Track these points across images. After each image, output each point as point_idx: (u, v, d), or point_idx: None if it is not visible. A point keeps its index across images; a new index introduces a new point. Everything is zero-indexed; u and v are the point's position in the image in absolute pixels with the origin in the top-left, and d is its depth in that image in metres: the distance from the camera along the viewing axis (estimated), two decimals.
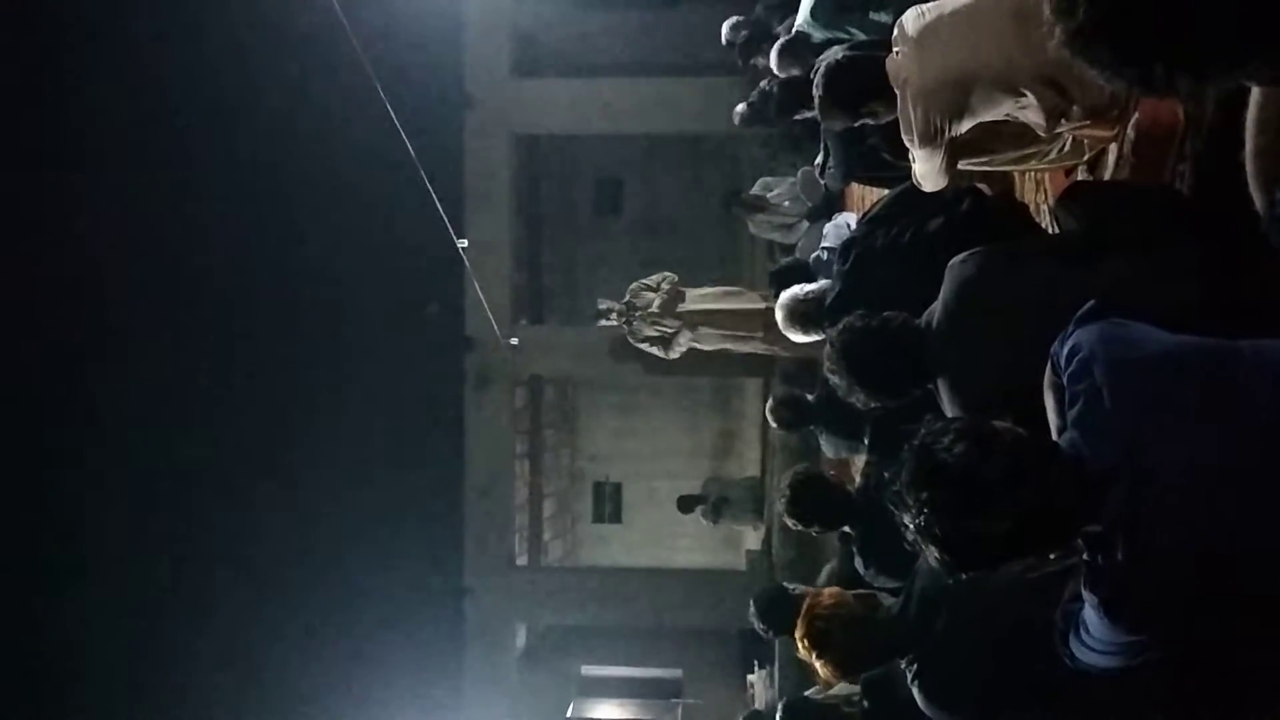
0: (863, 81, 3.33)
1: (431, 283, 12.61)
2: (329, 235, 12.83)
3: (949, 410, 2.56)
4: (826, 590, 2.98)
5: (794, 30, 5.35)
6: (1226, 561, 1.57)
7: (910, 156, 3.23)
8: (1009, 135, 3.16)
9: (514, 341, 12.09)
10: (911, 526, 1.69)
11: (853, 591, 3.01)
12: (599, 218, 16.95)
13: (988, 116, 2.95)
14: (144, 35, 11.72)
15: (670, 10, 14.04)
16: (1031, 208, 3.89)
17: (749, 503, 13.44)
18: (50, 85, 11.86)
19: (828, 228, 6.46)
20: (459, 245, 8.64)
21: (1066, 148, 3.23)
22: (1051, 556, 1.72)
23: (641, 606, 13.82)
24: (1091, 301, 1.89)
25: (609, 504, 17.64)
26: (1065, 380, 1.83)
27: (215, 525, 12.85)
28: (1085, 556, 1.71)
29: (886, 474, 1.78)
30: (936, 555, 1.68)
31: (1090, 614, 1.70)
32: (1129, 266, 2.33)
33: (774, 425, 6.21)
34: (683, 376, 13.97)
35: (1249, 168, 2.15)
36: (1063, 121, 2.86)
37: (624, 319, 7.29)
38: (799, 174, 8.67)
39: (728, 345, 7.35)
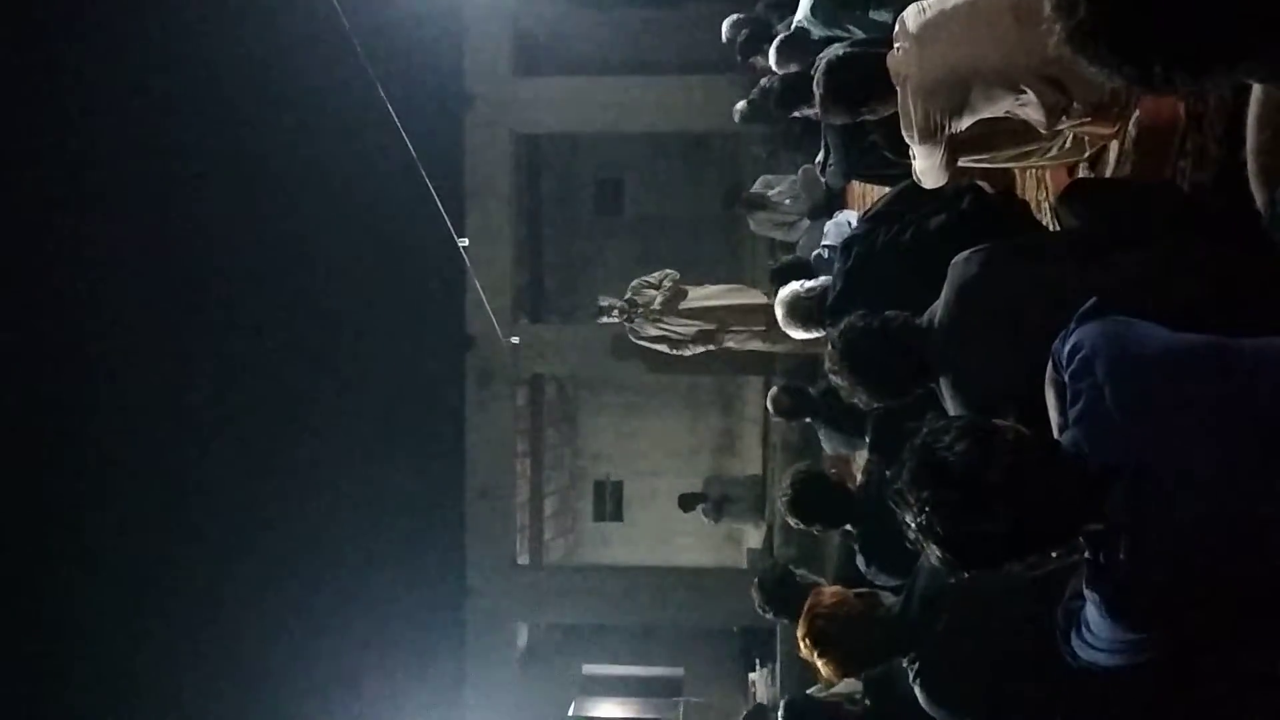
0: (863, 78, 3.32)
1: (432, 281, 12.61)
2: (330, 235, 12.83)
3: (951, 409, 2.56)
4: (828, 589, 2.97)
5: (794, 27, 5.35)
6: (1228, 560, 1.57)
7: (910, 153, 3.23)
8: (1009, 132, 3.15)
9: (515, 340, 12.10)
10: (913, 525, 1.69)
11: (854, 590, 3.00)
12: (600, 216, 16.95)
13: (988, 113, 2.95)
14: (144, 33, 11.72)
15: (671, 8, 14.03)
16: (1033, 205, 3.89)
17: (750, 501, 13.45)
18: (51, 86, 11.86)
19: (828, 225, 6.46)
20: (460, 244, 8.64)
21: (1067, 145, 3.22)
22: (1053, 555, 1.71)
23: (643, 605, 13.83)
24: (1093, 299, 1.88)
25: (610, 502, 17.64)
26: (1067, 378, 1.83)
27: (216, 525, 12.86)
28: (1087, 555, 1.70)
29: (888, 473, 1.78)
30: (938, 554, 1.68)
31: (1092, 612, 1.70)
32: (1130, 264, 2.32)
33: (773, 413, 6.21)
34: (684, 375, 13.97)
35: (1249, 165, 2.14)
36: (1063, 119, 2.85)
37: (625, 316, 7.28)
38: (800, 172, 8.66)
39: (730, 343, 7.34)
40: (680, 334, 7.25)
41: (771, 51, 5.62)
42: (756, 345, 7.36)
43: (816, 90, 3.47)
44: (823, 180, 5.79)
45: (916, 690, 2.62)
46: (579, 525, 17.80)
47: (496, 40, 13.16)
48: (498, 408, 13.54)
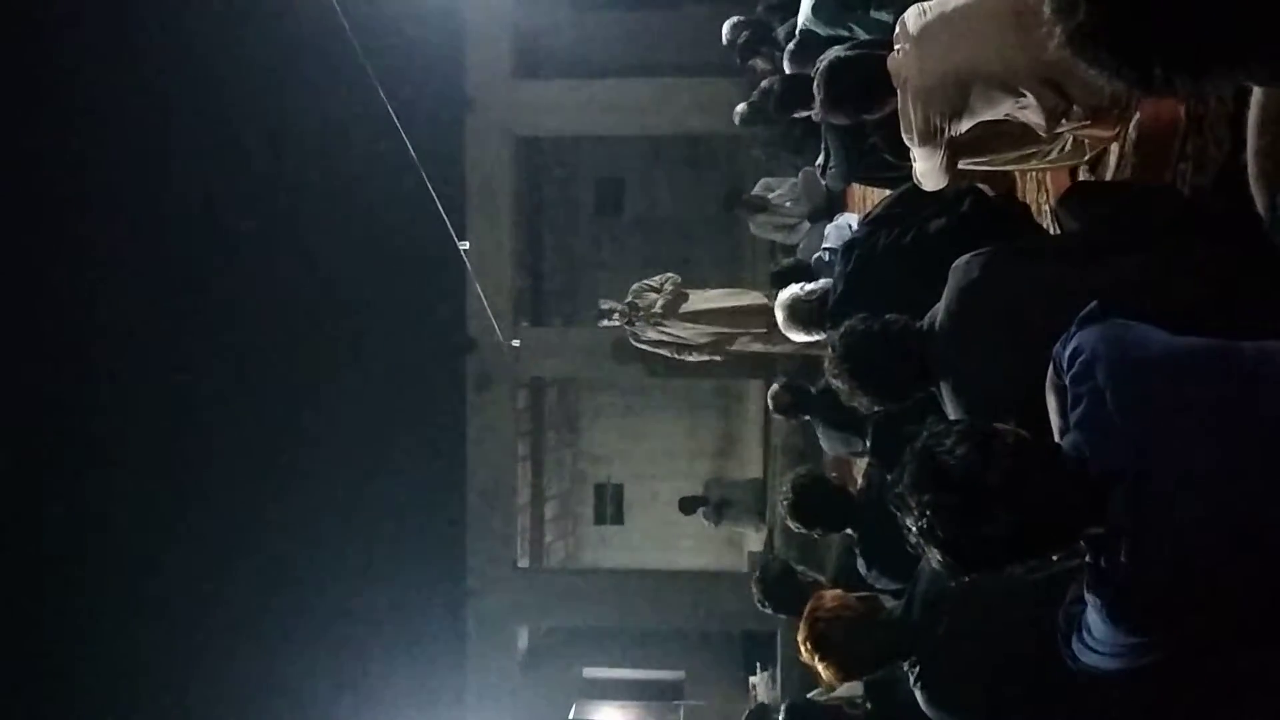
0: (863, 80, 3.32)
1: (433, 284, 12.62)
2: (330, 238, 12.84)
3: (951, 412, 2.55)
4: (829, 593, 2.97)
5: (798, 30, 5.35)
6: (1229, 563, 1.57)
7: (911, 156, 3.23)
8: (1010, 135, 3.15)
9: (515, 343, 12.10)
10: (914, 529, 1.68)
11: (855, 594, 3.00)
12: (600, 219, 16.95)
13: (987, 116, 2.95)
14: (145, 38, 11.73)
15: (670, 11, 14.05)
16: (1033, 208, 3.89)
17: (751, 504, 13.45)
18: (51, 87, 11.87)
19: (829, 228, 6.46)
20: (460, 247, 8.65)
21: (1067, 148, 3.22)
22: (1054, 558, 1.71)
23: (643, 608, 13.81)
24: (1094, 302, 1.88)
25: (611, 506, 17.63)
26: (1068, 382, 1.83)
27: (217, 527, 12.86)
28: (1088, 558, 1.70)
29: (889, 476, 1.78)
30: (939, 558, 1.68)
31: (1092, 615, 1.70)
32: (1131, 267, 2.32)
33: (773, 409, 6.22)
34: (685, 378, 13.97)
35: (1250, 168, 2.14)
36: (1063, 122, 2.85)
37: (626, 320, 7.27)
38: (800, 174, 8.66)
39: (732, 347, 7.33)
40: (682, 338, 7.25)
41: (785, 60, 5.62)
42: (757, 348, 7.35)
43: (817, 92, 3.47)
44: (823, 183, 5.79)
45: (917, 693, 2.62)
46: (579, 528, 17.79)
47: (497, 43, 13.16)
48: (498, 411, 13.54)
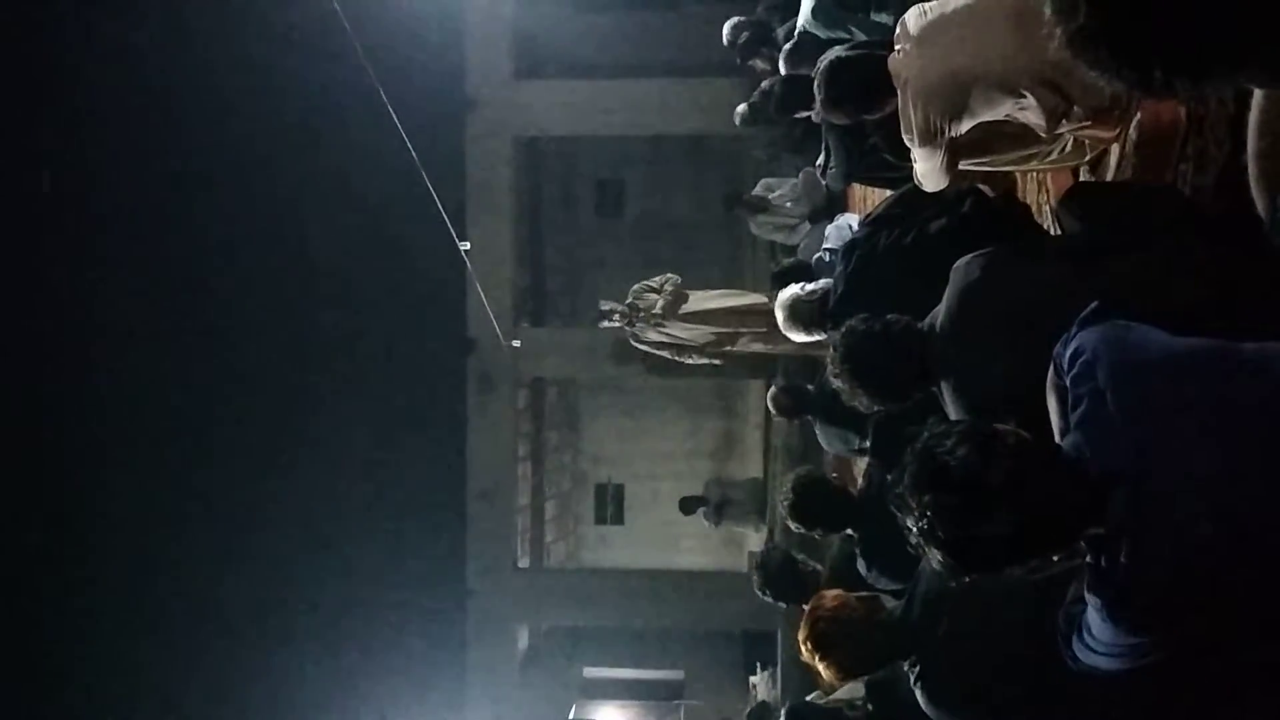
0: (864, 80, 3.33)
1: (433, 285, 12.62)
2: (331, 238, 12.85)
3: (952, 413, 2.56)
4: (829, 593, 2.97)
5: (797, 31, 5.35)
6: (1229, 564, 1.57)
7: (911, 157, 3.23)
8: (1010, 136, 3.15)
9: (516, 343, 12.10)
10: (914, 530, 1.69)
11: (855, 594, 3.00)
12: (600, 219, 16.94)
13: (988, 117, 2.95)
14: (145, 38, 11.73)
15: (671, 11, 14.05)
16: (1034, 208, 3.89)
17: (751, 504, 13.45)
18: (51, 87, 11.87)
19: (829, 229, 6.46)
20: (461, 247, 8.65)
21: (1068, 148, 3.22)
22: (1054, 559, 1.71)
23: (643, 608, 13.82)
24: (1094, 303, 1.88)
25: (611, 505, 17.63)
26: (1068, 382, 1.83)
27: (218, 526, 12.86)
28: (1088, 559, 1.70)
29: (889, 477, 1.78)
30: (939, 558, 1.68)
31: (1093, 616, 1.70)
32: (1131, 268, 2.32)
33: (773, 411, 6.22)
34: (685, 378, 13.97)
35: (1250, 169, 2.15)
36: (1063, 122, 2.85)
37: (626, 320, 7.27)
38: (800, 175, 8.67)
39: (732, 348, 7.34)
40: (682, 339, 7.24)
41: (781, 61, 5.63)
42: (758, 348, 7.35)
43: (817, 92, 3.47)
44: (823, 183, 5.80)
45: (917, 693, 2.62)
46: (580, 528, 17.79)
47: (497, 43, 13.17)
48: (499, 411, 13.54)
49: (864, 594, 3.05)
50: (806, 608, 2.93)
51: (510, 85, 13.29)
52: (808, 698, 4.49)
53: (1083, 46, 1.34)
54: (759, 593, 4.38)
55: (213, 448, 12.86)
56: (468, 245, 9.17)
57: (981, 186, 3.55)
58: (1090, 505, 1.65)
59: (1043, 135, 2.96)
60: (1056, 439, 1.86)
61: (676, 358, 7.37)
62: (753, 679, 12.72)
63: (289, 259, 12.75)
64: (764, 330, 6.93)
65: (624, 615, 14.15)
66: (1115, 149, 3.16)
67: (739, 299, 7.39)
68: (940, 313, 2.61)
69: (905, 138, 3.13)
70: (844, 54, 3.61)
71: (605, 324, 7.49)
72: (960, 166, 3.22)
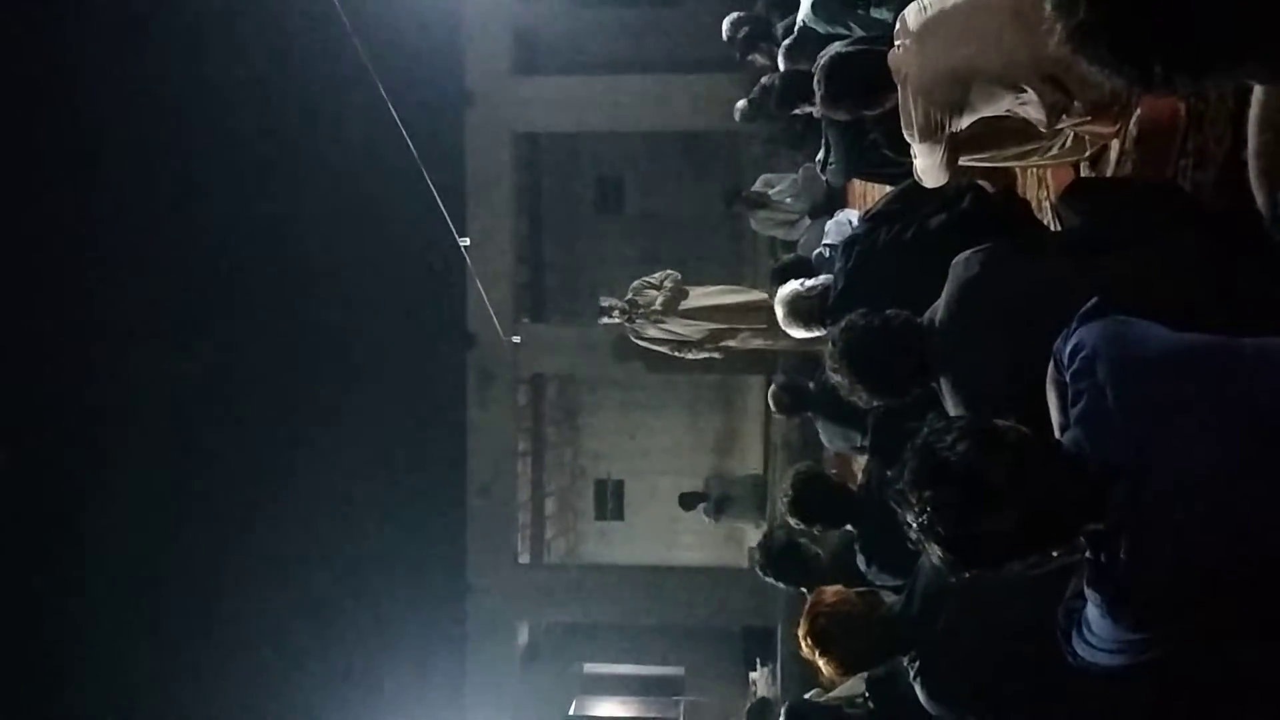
0: (864, 75, 3.32)
1: (433, 281, 12.62)
2: (331, 234, 12.83)
3: (951, 408, 2.56)
4: (829, 588, 2.97)
5: (797, 27, 5.34)
6: (1228, 560, 1.57)
7: (911, 152, 3.23)
8: (1010, 131, 3.15)
9: (516, 339, 12.09)
10: (914, 526, 1.69)
11: (855, 589, 3.00)
12: (600, 215, 16.94)
13: (988, 112, 2.95)
14: (143, 33, 11.72)
15: (671, 7, 14.04)
16: (1034, 204, 3.88)
17: (751, 500, 13.45)
18: (52, 86, 11.86)
19: (829, 224, 6.46)
20: (460, 243, 8.64)
21: (1068, 144, 3.22)
22: (1054, 554, 1.71)
23: (643, 604, 13.83)
24: (1094, 299, 1.88)
25: (611, 501, 17.64)
26: (1068, 378, 1.83)
27: (217, 523, 12.87)
28: (1088, 554, 1.70)
29: (889, 473, 1.78)
30: (939, 554, 1.68)
31: (1092, 612, 1.70)
32: (1131, 263, 2.32)
33: (774, 409, 6.22)
34: (685, 374, 13.97)
35: (1250, 166, 2.14)
36: (1064, 118, 2.84)
37: (626, 317, 7.27)
38: (800, 170, 8.67)
39: (731, 342, 7.34)
40: (682, 335, 7.24)
41: (781, 57, 5.62)
42: (757, 344, 7.35)
43: (817, 88, 3.47)
44: (823, 179, 5.80)
45: (917, 689, 2.62)
46: (580, 524, 17.80)
47: (497, 39, 13.16)
48: (499, 407, 13.54)
49: (864, 590, 3.06)
50: (806, 604, 2.94)
51: (510, 81, 13.28)
52: (807, 695, 4.50)
53: (1083, 42, 1.34)
54: (760, 572, 4.42)
55: (212, 445, 12.86)
56: (467, 241, 9.15)
57: (981, 182, 3.55)
58: (1090, 501, 1.65)
59: (1043, 131, 2.96)
60: (1056, 435, 1.86)
61: (676, 353, 7.37)
62: (752, 675, 12.74)
63: (288, 255, 12.75)
64: (764, 326, 6.94)
65: (624, 611, 14.16)
66: (1115, 145, 3.15)
67: (739, 295, 7.39)
68: (940, 308, 2.61)
69: (905, 133, 3.13)
70: (844, 50, 3.60)
71: (605, 320, 7.49)
72: (960, 162, 3.21)
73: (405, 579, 13.16)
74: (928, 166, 3.20)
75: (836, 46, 3.78)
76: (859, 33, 4.63)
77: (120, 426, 12.48)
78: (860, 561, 3.88)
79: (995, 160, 3.38)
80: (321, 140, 11.99)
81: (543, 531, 15.68)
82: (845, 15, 4.81)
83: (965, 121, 2.99)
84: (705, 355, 7.34)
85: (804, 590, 4.59)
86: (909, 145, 3.19)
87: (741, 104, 8.55)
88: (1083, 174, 3.40)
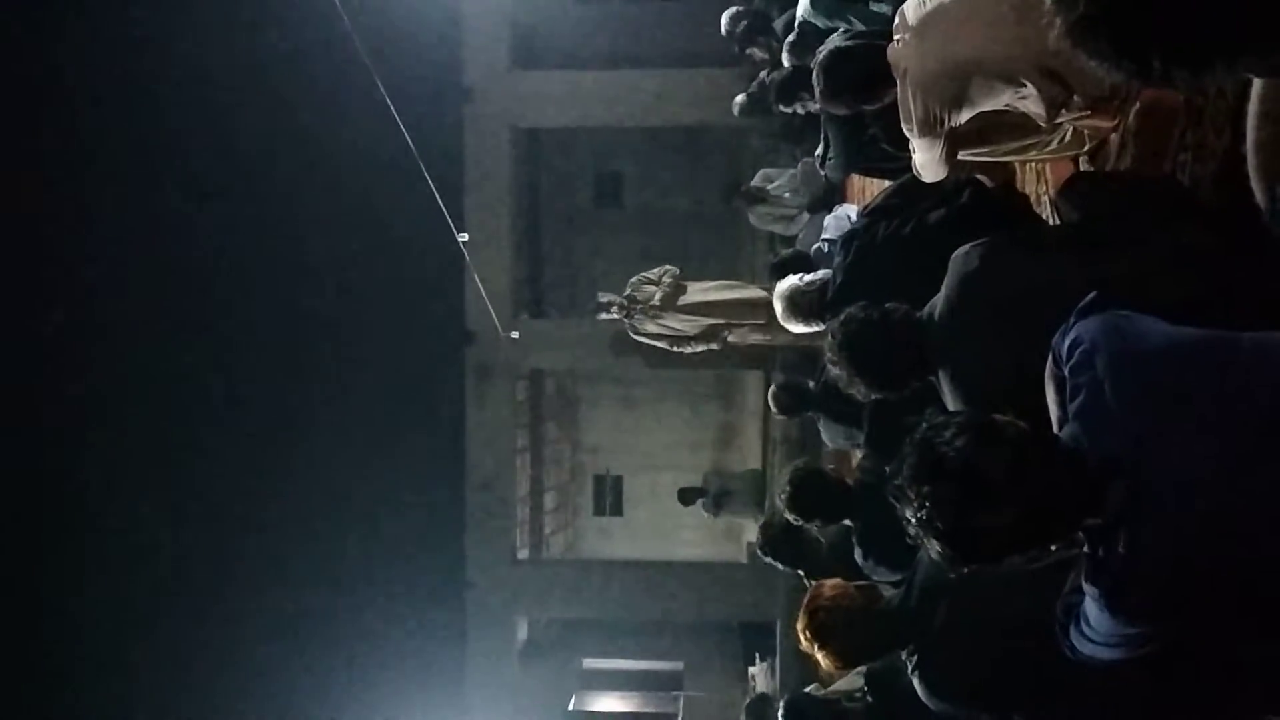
0: (863, 70, 3.32)
1: (432, 276, 12.61)
2: (329, 229, 12.83)
3: (950, 402, 2.56)
4: (828, 582, 2.97)
5: (797, 22, 5.34)
6: (1226, 554, 1.57)
7: (910, 147, 3.23)
8: (1009, 126, 3.15)
9: (514, 335, 12.09)
10: (913, 521, 1.69)
11: (854, 583, 3.01)
12: (599, 210, 16.94)
13: (987, 107, 2.95)
14: (141, 30, 11.70)
15: (669, 2, 14.02)
16: (1033, 199, 3.89)
17: (750, 495, 13.45)
18: (51, 84, 11.85)
19: (828, 219, 6.46)
20: (459, 239, 8.63)
21: (1067, 138, 3.22)
22: (1052, 549, 1.71)
23: (642, 599, 13.84)
24: (1093, 293, 1.88)
25: (610, 497, 17.65)
26: (1067, 372, 1.83)
27: (216, 519, 12.87)
28: (1086, 549, 1.70)
29: (888, 469, 1.78)
30: (939, 549, 1.68)
31: (1091, 606, 1.70)
32: (1130, 258, 2.32)
33: (774, 410, 6.22)
34: (684, 369, 13.97)
35: (1250, 160, 2.14)
36: (1063, 112, 2.85)
37: (625, 312, 7.27)
38: (799, 165, 8.67)
39: (730, 338, 7.34)
40: (680, 330, 7.24)
41: (784, 53, 5.63)
42: (756, 339, 7.36)
43: (816, 82, 3.46)
44: (822, 174, 5.79)
45: (915, 683, 2.62)
46: (579, 519, 17.81)
47: (495, 34, 13.14)
48: (497, 402, 13.54)
49: (863, 583, 3.06)
50: (805, 597, 2.94)
51: (508, 76, 13.26)
52: (806, 689, 4.50)
53: (1082, 36, 1.34)
54: (760, 552, 4.45)
55: (210, 441, 12.86)
56: (466, 237, 9.15)
57: (980, 177, 3.55)
58: (1088, 496, 1.65)
59: (1042, 125, 2.96)
60: (1055, 429, 1.86)
61: (674, 348, 7.36)
62: (751, 670, 12.74)
63: (287, 251, 12.74)
64: (762, 322, 6.94)
65: (623, 606, 14.17)
66: (1114, 139, 3.15)
67: (737, 291, 7.39)
68: (939, 302, 2.62)
69: (905, 128, 3.13)
70: (843, 44, 3.60)
71: (604, 316, 7.49)
72: (959, 157, 3.21)
73: (404, 575, 13.16)
74: (927, 161, 3.20)
75: (835, 41, 3.78)
76: (858, 27, 4.63)
77: (117, 424, 12.48)
78: (858, 556, 3.89)
79: (994, 155, 3.38)
80: (320, 136, 11.98)
81: (542, 527, 15.69)
82: (844, 10, 4.81)
83: (964, 116, 2.99)
84: (703, 347, 7.34)
85: (801, 574, 4.62)
86: (908, 140, 3.19)
87: (740, 99, 8.56)
88: (1082, 169, 3.40)
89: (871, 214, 3.79)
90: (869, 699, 3.30)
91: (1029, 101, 2.83)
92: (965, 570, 1.72)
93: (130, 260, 12.34)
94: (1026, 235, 3.00)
